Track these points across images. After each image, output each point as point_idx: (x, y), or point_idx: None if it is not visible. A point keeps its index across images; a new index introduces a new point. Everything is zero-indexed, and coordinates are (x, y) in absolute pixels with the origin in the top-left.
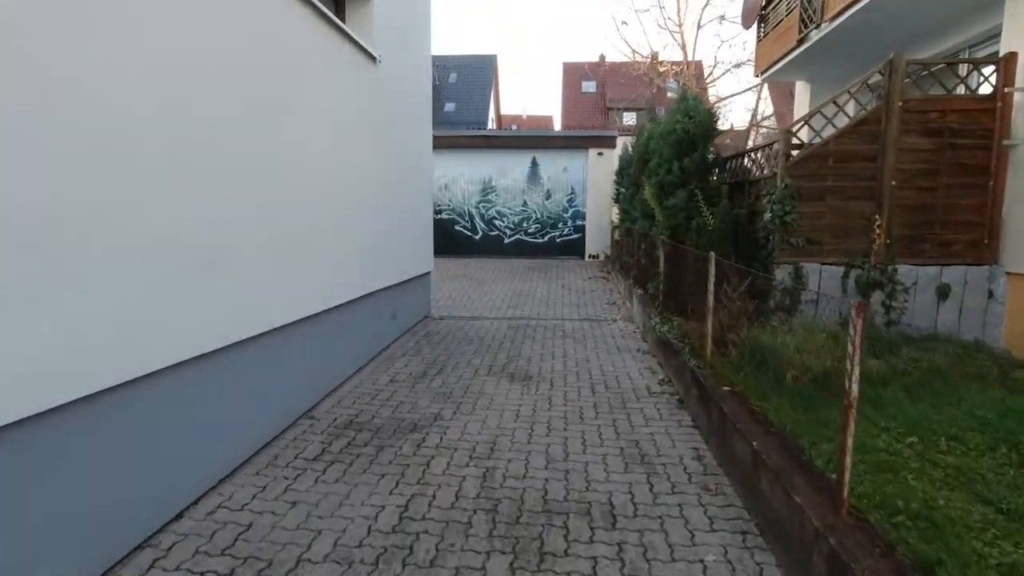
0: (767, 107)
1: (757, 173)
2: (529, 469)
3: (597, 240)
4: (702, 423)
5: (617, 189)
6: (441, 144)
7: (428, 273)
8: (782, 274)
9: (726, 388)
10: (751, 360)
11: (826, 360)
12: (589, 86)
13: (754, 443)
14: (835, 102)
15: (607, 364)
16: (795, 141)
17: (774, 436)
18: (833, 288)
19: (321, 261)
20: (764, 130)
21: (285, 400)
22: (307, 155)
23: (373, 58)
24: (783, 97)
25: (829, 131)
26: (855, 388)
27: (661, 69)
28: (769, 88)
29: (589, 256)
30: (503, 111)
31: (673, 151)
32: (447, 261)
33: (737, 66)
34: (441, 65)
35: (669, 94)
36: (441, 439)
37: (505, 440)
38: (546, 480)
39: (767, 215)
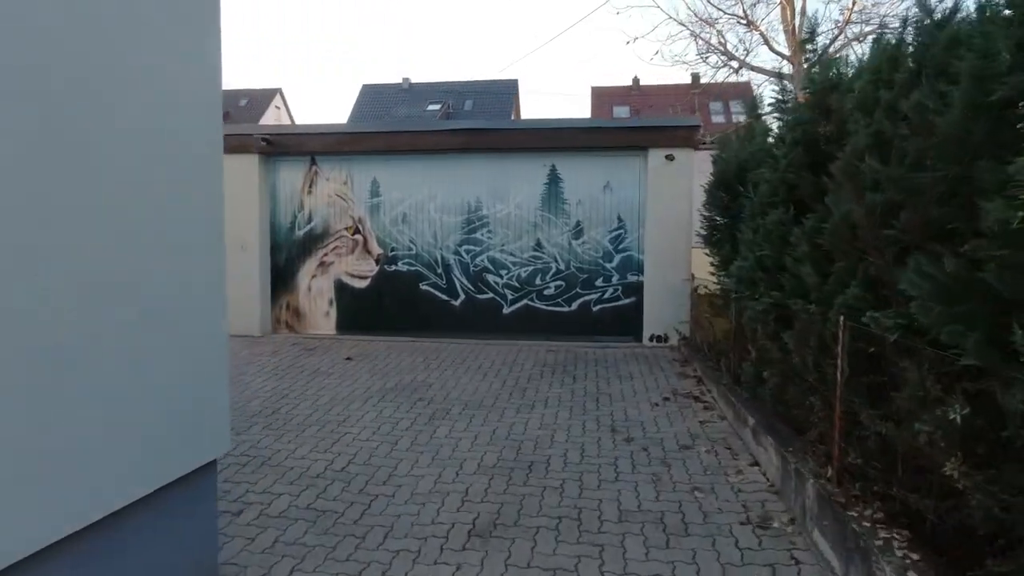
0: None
1: None
2: None
3: (665, 307)
4: None
5: (711, 219)
6: (393, 144)
7: (210, 465)
8: None
9: None
10: None
11: None
12: (621, 111)
13: None
14: None
15: None
16: None
17: None
18: None
19: None
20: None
21: None
22: None
23: None
24: None
25: None
26: None
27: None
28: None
29: (652, 338)
30: None
31: None
32: (398, 344)
33: (860, 38)
34: (456, 91)
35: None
36: None
37: None
38: None
39: None
